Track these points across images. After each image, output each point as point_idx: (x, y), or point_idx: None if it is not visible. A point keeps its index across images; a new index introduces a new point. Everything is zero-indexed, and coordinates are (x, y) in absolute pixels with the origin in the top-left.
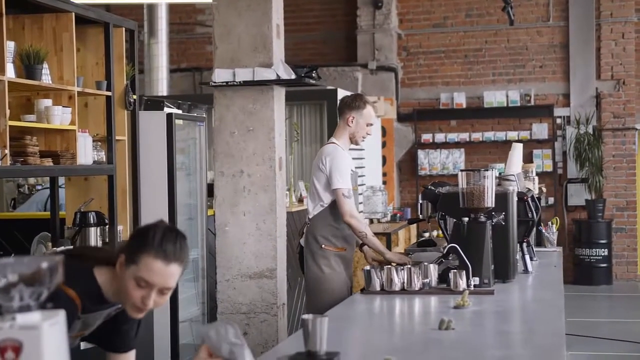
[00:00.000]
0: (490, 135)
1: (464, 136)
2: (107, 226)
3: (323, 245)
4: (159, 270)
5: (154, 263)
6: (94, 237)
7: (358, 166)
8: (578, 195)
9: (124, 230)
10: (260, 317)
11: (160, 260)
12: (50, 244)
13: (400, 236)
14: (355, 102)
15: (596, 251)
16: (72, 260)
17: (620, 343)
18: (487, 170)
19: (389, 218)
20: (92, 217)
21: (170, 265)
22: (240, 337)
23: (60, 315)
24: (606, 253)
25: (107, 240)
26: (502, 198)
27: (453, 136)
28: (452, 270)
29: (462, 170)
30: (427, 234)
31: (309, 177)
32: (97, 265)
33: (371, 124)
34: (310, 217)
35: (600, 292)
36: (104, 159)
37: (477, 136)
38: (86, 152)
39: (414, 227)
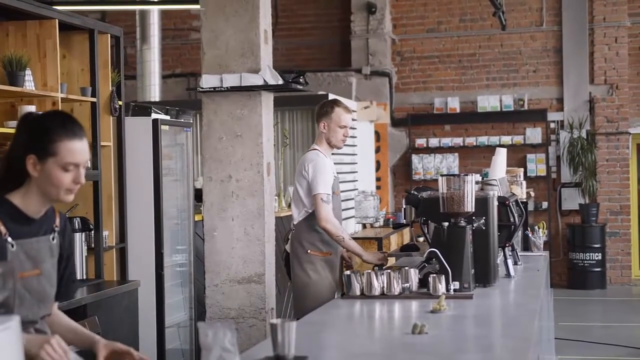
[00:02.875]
0: (484, 139)
1: (458, 141)
2: (92, 232)
3: (309, 251)
4: (80, 149)
5: (73, 144)
6: (79, 242)
7: (351, 171)
8: (572, 200)
9: (109, 236)
10: (248, 322)
11: (76, 140)
12: None
13: (392, 241)
14: (323, 108)
15: (590, 255)
16: None
17: (613, 347)
18: (467, 175)
19: (381, 223)
20: (77, 223)
21: (83, 140)
22: (235, 345)
23: (14, 321)
24: (600, 257)
25: (92, 245)
26: (482, 203)
27: (447, 141)
28: (432, 275)
29: (442, 175)
30: (421, 239)
31: None
32: (5, 193)
33: (344, 126)
34: (295, 223)
35: (594, 297)
36: (89, 165)
37: (471, 141)
38: None
39: (407, 231)
